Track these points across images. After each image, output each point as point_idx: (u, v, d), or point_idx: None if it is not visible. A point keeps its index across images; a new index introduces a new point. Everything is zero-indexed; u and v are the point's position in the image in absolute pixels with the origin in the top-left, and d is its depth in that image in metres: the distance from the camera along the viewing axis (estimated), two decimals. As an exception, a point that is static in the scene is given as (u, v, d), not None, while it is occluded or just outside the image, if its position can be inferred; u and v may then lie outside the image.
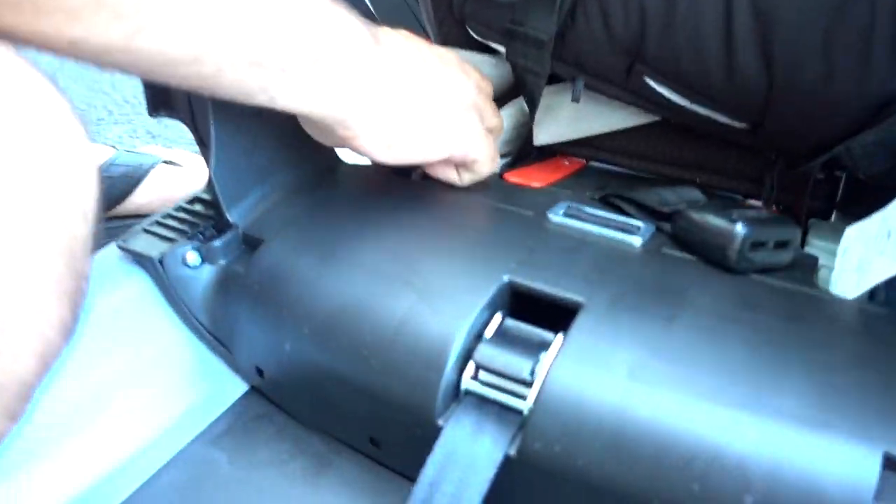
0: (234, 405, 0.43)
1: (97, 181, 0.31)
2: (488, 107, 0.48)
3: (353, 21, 0.39)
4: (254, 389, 0.44)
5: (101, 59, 0.31)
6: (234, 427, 0.42)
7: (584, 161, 0.59)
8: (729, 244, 0.39)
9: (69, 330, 0.31)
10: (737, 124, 0.50)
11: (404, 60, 0.42)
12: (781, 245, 0.40)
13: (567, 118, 0.58)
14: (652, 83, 0.50)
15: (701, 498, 0.30)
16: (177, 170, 0.94)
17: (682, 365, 0.32)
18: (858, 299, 0.38)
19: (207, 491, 0.38)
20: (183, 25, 0.31)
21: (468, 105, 0.46)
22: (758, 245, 0.39)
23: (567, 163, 0.58)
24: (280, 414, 0.43)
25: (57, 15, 0.28)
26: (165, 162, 0.94)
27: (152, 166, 0.89)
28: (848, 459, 0.28)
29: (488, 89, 0.49)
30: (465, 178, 0.48)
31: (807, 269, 0.42)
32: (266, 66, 0.35)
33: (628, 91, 0.52)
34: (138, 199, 0.88)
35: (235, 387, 0.44)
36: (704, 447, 0.30)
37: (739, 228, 0.38)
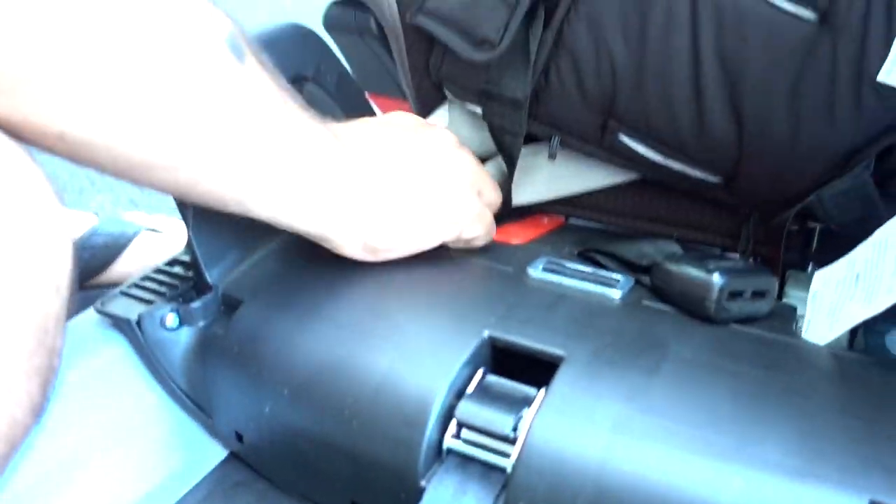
0: (212, 472, 0.42)
1: (71, 253, 0.31)
2: (487, 182, 0.49)
3: (320, 134, 0.40)
4: (233, 455, 0.43)
5: (80, 155, 0.32)
6: (212, 494, 0.41)
7: (564, 218, 0.60)
8: (707, 294, 0.39)
9: (38, 409, 0.30)
10: (711, 178, 0.51)
11: (380, 161, 0.43)
12: (759, 295, 0.40)
13: (544, 178, 0.59)
14: (626, 140, 0.51)
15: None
16: (159, 237, 0.94)
17: (665, 417, 0.32)
18: (838, 347, 0.39)
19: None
20: (162, 134, 0.33)
21: (466, 185, 0.47)
22: (735, 295, 0.39)
23: (546, 220, 0.59)
24: (260, 481, 0.42)
25: (50, 106, 0.29)
26: (148, 229, 0.94)
27: (135, 234, 0.89)
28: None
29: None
30: (458, 248, 0.48)
31: (785, 318, 0.42)
32: (237, 180, 0.37)
33: (603, 148, 0.53)
34: (120, 268, 0.87)
35: (214, 453, 0.43)
36: (690, 500, 0.30)
37: (716, 278, 0.39)
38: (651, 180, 0.56)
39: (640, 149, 0.51)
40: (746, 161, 0.48)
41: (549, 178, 0.59)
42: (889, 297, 0.35)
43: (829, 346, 0.38)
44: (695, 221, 0.56)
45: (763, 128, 0.46)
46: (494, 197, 0.50)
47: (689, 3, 0.44)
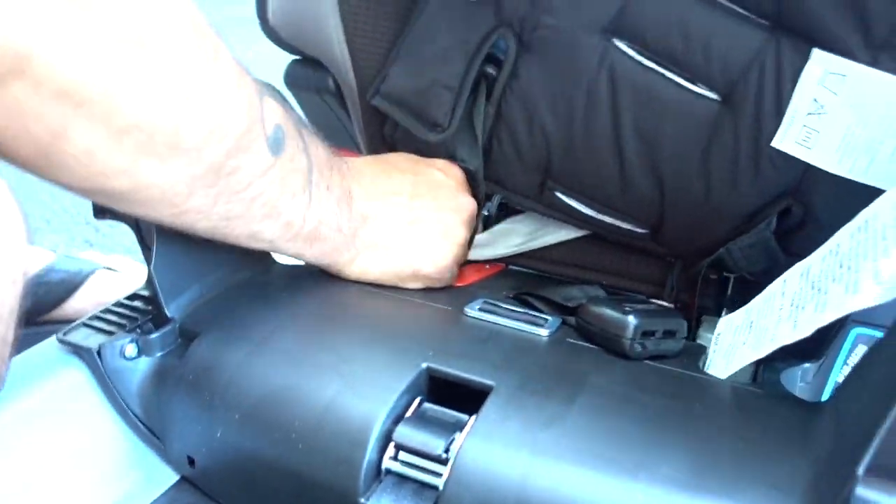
0: (163, 495, 0.45)
1: (20, 284, 0.34)
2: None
3: (335, 199, 0.48)
4: (184, 479, 0.46)
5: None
6: (162, 516, 0.43)
7: (503, 265, 0.64)
8: (622, 333, 0.44)
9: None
10: (638, 230, 0.56)
11: (386, 204, 0.52)
12: (669, 334, 0.45)
13: (488, 240, 0.64)
14: (562, 197, 0.56)
15: (596, 557, 0.33)
16: (115, 275, 0.96)
17: (578, 440, 0.36)
18: (741, 381, 0.43)
19: (135, 578, 0.39)
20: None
21: (465, 227, 0.55)
22: (648, 334, 0.44)
23: (487, 266, 0.63)
24: (210, 503, 0.44)
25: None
26: (104, 268, 0.95)
27: (91, 272, 0.91)
28: (720, 518, 0.32)
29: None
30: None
31: (694, 356, 0.47)
32: (269, 244, 0.46)
33: (543, 205, 0.58)
34: (76, 304, 0.89)
35: (166, 477, 0.46)
36: (597, 510, 0.33)
37: (631, 319, 0.43)
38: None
39: (575, 204, 0.56)
40: (668, 216, 0.53)
41: (505, 240, 0.64)
42: (771, 345, 0.40)
43: (733, 380, 0.43)
44: (623, 270, 0.62)
45: (679, 189, 0.52)
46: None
47: (608, 84, 0.50)
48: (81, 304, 0.89)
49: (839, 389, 0.39)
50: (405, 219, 0.52)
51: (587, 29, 0.50)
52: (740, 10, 0.47)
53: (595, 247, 0.62)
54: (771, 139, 0.47)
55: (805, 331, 0.39)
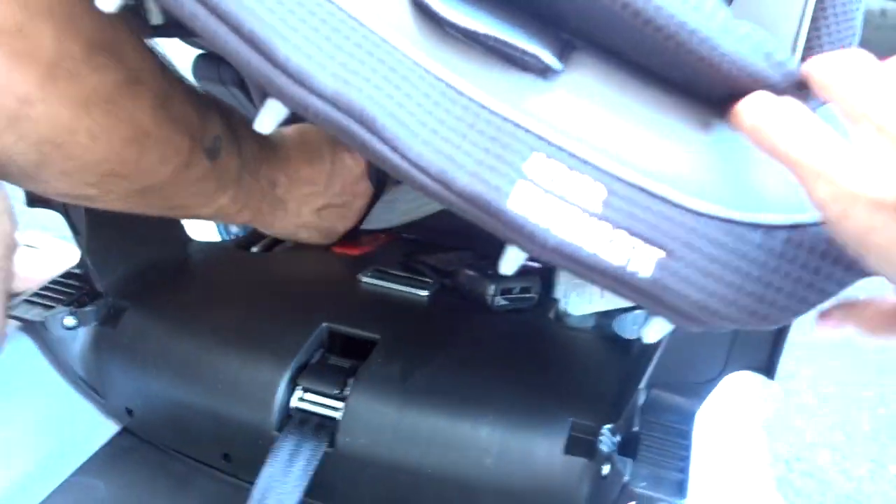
0: (107, 443, 0.53)
1: (7, 260, 0.41)
2: None
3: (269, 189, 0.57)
4: (124, 429, 0.54)
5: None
6: (108, 459, 0.51)
7: (395, 235, 0.74)
8: (485, 291, 0.54)
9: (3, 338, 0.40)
10: None
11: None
12: (525, 290, 0.56)
13: (395, 211, 0.73)
14: None
15: (458, 463, 0.43)
16: (32, 252, 0.99)
17: (444, 376, 0.46)
18: (583, 326, 0.54)
19: (88, 509, 0.47)
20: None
21: (362, 207, 0.66)
22: (506, 291, 0.54)
23: (383, 236, 0.72)
24: (147, 446, 0.52)
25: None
26: (23, 245, 0.98)
27: None
28: (547, 427, 0.43)
29: None
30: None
31: (548, 307, 0.58)
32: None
33: None
34: None
35: (108, 428, 0.53)
36: (458, 430, 0.44)
37: (491, 280, 0.54)
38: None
39: None
40: None
41: (398, 211, 0.73)
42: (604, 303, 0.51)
43: (575, 325, 0.54)
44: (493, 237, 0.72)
45: None
46: None
47: None
48: None
49: (642, 323, 0.50)
50: (316, 205, 0.60)
51: None
52: None
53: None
54: None
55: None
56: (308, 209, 0.60)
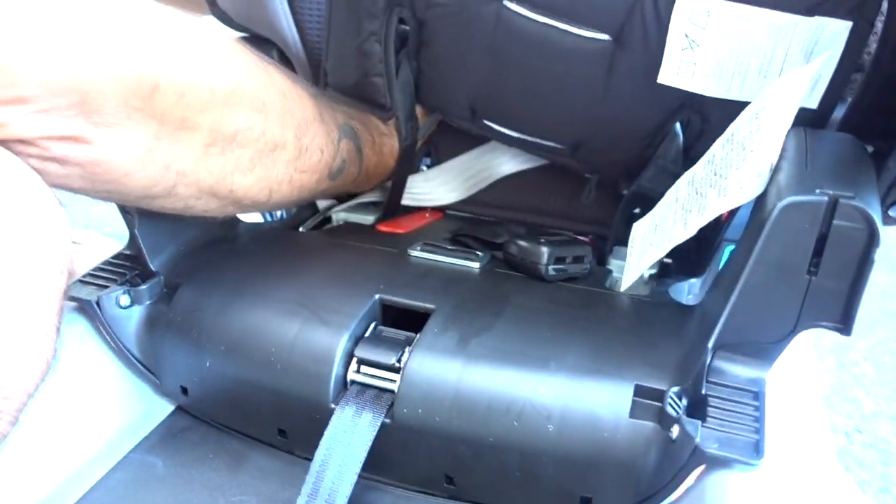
0: (163, 422, 0.53)
1: (65, 276, 0.41)
2: None
3: None
4: (179, 408, 0.54)
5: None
6: (164, 437, 0.51)
7: (442, 213, 0.73)
8: (539, 260, 0.53)
9: (53, 354, 0.41)
10: (559, 146, 0.64)
11: None
12: (578, 259, 0.54)
13: (439, 190, 0.72)
14: (490, 124, 0.65)
15: (519, 430, 0.42)
16: (76, 248, 1.01)
17: (502, 344, 0.45)
18: (637, 294, 0.53)
19: (148, 486, 0.47)
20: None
21: None
22: (560, 259, 0.53)
23: (428, 214, 0.72)
24: (202, 425, 0.52)
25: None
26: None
27: None
28: (611, 391, 0.42)
29: None
30: None
31: (601, 276, 0.56)
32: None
33: (476, 127, 0.66)
34: None
35: (163, 407, 0.53)
36: (518, 397, 0.43)
37: (545, 248, 0.53)
38: (511, 178, 0.70)
39: (503, 129, 0.65)
40: (584, 137, 0.62)
41: (441, 190, 0.72)
42: (669, 244, 0.49)
43: (631, 293, 0.53)
44: (545, 209, 0.71)
45: (590, 116, 0.60)
46: None
47: (506, 41, 0.57)
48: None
49: (705, 293, 0.49)
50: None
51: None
52: None
53: (521, 188, 0.71)
54: (660, 67, 0.55)
55: (692, 230, 0.47)
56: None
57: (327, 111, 0.59)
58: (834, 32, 0.50)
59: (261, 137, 0.50)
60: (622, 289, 0.53)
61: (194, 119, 0.45)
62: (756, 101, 0.47)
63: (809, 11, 0.50)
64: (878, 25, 0.50)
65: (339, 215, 0.69)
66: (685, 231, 0.47)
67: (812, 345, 0.59)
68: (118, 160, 0.42)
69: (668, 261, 0.61)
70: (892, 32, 0.49)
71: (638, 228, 0.55)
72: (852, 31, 0.50)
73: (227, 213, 0.55)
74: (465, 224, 0.69)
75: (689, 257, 0.61)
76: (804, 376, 0.52)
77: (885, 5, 0.49)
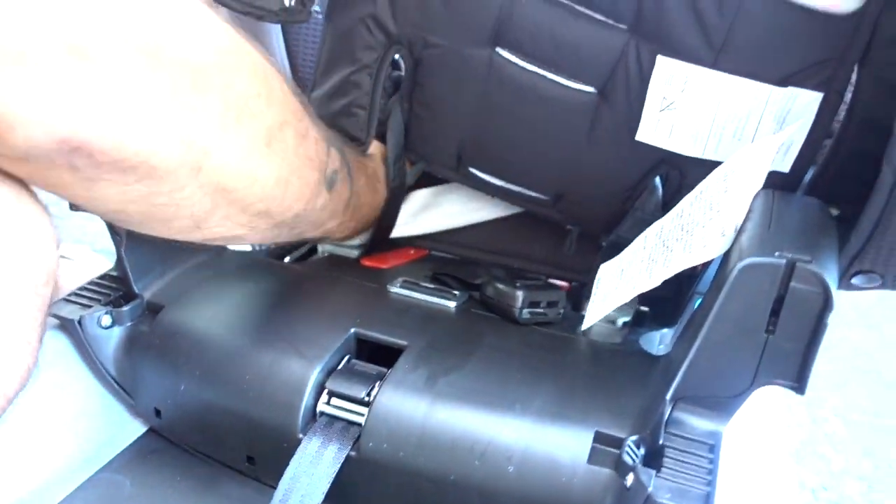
0: (134, 442, 0.53)
1: (49, 288, 0.42)
2: None
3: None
4: (151, 430, 0.55)
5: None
6: (134, 458, 0.52)
7: (427, 251, 0.74)
8: (513, 302, 0.54)
9: (34, 363, 0.42)
10: (542, 197, 0.66)
11: None
12: (552, 304, 0.56)
13: (420, 221, 0.74)
14: (475, 172, 0.66)
15: (480, 469, 0.43)
16: (67, 263, 1.02)
17: (471, 383, 0.46)
18: (610, 342, 0.54)
19: (113, 505, 0.48)
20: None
21: None
22: (534, 304, 0.54)
23: (412, 251, 0.73)
24: (174, 447, 0.53)
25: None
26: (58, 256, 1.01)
27: None
28: (572, 436, 0.43)
29: None
30: None
31: (575, 322, 0.57)
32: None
33: (460, 175, 0.68)
34: None
35: (136, 428, 0.54)
36: (482, 436, 0.44)
37: (520, 292, 0.54)
38: (494, 221, 0.71)
39: (487, 178, 0.66)
40: (567, 188, 0.64)
41: (423, 220, 0.74)
42: (632, 291, 0.50)
43: (604, 341, 0.54)
44: (527, 254, 0.72)
45: (573, 168, 0.62)
46: None
47: (497, 87, 0.60)
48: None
49: (673, 343, 0.50)
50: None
51: (471, 44, 0.59)
52: (602, 18, 0.56)
53: (504, 233, 0.72)
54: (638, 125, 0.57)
55: (655, 281, 0.48)
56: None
57: (312, 111, 0.55)
58: (805, 102, 0.52)
59: (268, 110, 0.47)
60: (582, 328, 0.54)
61: (203, 82, 0.41)
62: (727, 162, 0.48)
63: (782, 82, 0.52)
64: (848, 97, 0.52)
65: (325, 247, 0.71)
66: (650, 280, 0.49)
67: (784, 398, 0.61)
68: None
69: (645, 309, 0.62)
70: (858, 105, 0.51)
71: (604, 270, 0.56)
72: (823, 102, 0.52)
73: (258, 229, 0.52)
74: (446, 264, 0.70)
75: (665, 307, 0.62)
76: (773, 430, 0.53)
77: (854, 78, 0.51)
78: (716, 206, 0.46)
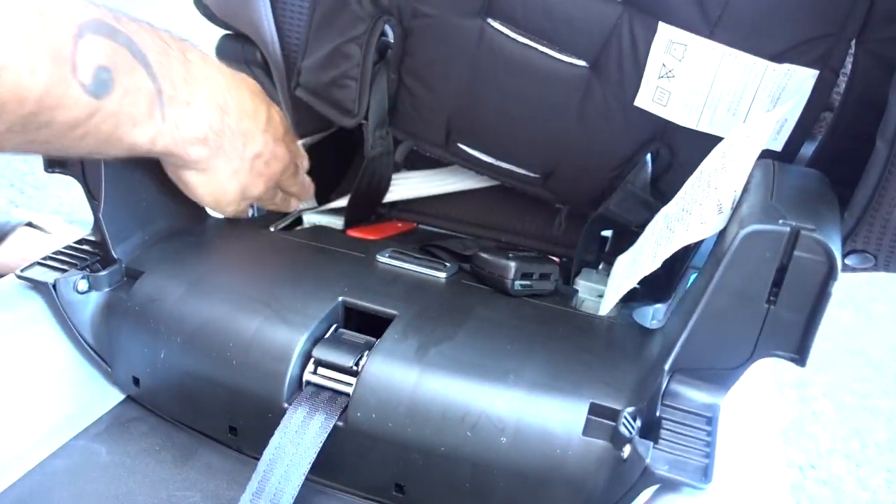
0: (112, 410, 0.51)
1: None
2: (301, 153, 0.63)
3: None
4: (130, 398, 0.53)
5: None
6: (112, 426, 0.50)
7: (414, 224, 0.73)
8: (505, 274, 0.53)
9: None
10: (532, 174, 0.65)
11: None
12: (545, 276, 0.54)
13: (404, 186, 0.72)
14: (464, 147, 0.65)
15: (472, 441, 0.42)
16: (41, 234, 0.99)
17: (461, 354, 0.45)
18: (607, 315, 0.53)
19: (89, 473, 0.46)
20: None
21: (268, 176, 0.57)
22: (526, 275, 0.53)
23: (400, 224, 0.72)
24: (152, 416, 0.51)
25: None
26: (29, 225, 0.98)
27: (15, 227, 0.94)
28: (566, 408, 0.42)
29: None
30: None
31: (567, 295, 0.56)
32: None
33: (449, 153, 0.66)
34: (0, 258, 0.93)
35: (114, 396, 0.52)
36: (474, 407, 0.42)
37: (512, 263, 0.53)
38: (482, 192, 0.70)
39: (476, 153, 0.65)
40: (556, 164, 0.62)
41: (407, 185, 0.72)
42: (637, 276, 0.50)
43: (595, 313, 0.53)
44: (518, 228, 0.71)
45: (563, 142, 0.60)
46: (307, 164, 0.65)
47: (488, 58, 0.58)
48: (5, 258, 0.93)
49: (668, 317, 0.49)
50: (255, 152, 0.54)
51: (462, 14, 0.57)
52: None
53: (493, 207, 0.71)
54: (634, 97, 0.56)
55: (658, 262, 0.48)
56: (250, 150, 0.53)
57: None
58: (800, 80, 0.51)
59: None
60: (601, 314, 0.53)
61: None
62: (724, 140, 0.48)
63: (777, 58, 0.51)
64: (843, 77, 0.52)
65: (311, 217, 0.69)
66: (653, 263, 0.48)
67: (773, 378, 0.60)
68: None
69: (637, 286, 0.61)
70: (855, 83, 0.50)
71: (620, 262, 0.56)
72: (818, 80, 0.51)
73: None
74: (436, 237, 0.69)
75: (657, 283, 0.61)
76: (763, 409, 0.52)
77: (849, 60, 0.51)
78: (713, 184, 0.46)
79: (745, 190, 0.44)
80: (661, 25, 0.53)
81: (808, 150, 0.56)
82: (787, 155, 0.56)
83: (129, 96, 0.43)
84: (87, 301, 0.51)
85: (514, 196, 0.71)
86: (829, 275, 0.37)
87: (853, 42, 0.51)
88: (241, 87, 0.53)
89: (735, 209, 0.44)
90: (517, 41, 0.57)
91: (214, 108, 0.49)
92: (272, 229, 0.65)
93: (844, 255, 0.47)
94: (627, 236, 0.66)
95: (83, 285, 0.51)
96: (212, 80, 0.49)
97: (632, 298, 0.59)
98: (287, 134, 0.59)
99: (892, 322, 1.45)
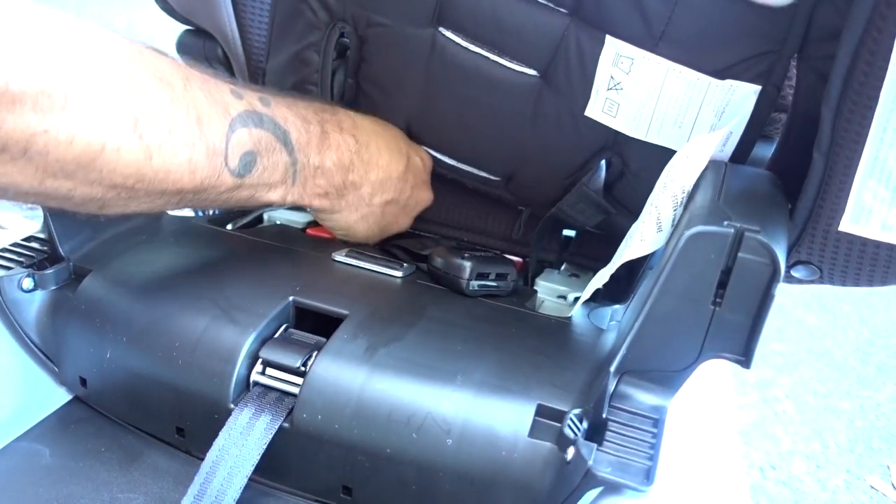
0: (57, 411, 0.50)
1: None
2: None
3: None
4: (77, 399, 0.52)
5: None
6: (56, 427, 0.49)
7: None
8: (460, 273, 0.52)
9: None
10: (493, 178, 0.65)
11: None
12: (501, 277, 0.54)
13: None
14: (427, 149, 0.65)
15: (418, 442, 0.41)
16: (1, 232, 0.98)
17: (410, 354, 0.45)
18: (559, 315, 0.53)
19: (31, 475, 0.45)
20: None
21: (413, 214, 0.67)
22: (482, 275, 0.53)
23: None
24: (99, 417, 0.50)
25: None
26: None
27: None
28: (513, 410, 0.41)
29: None
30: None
31: (524, 296, 0.56)
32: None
33: None
34: None
35: (60, 396, 0.51)
36: (420, 409, 0.42)
37: (467, 262, 0.52)
38: (446, 193, 0.70)
39: (438, 156, 0.65)
40: (515, 169, 0.63)
41: None
42: (598, 282, 0.50)
43: (553, 315, 0.52)
44: (481, 228, 0.71)
45: (518, 149, 0.61)
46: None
47: (440, 67, 0.58)
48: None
49: (621, 317, 0.49)
50: (386, 197, 0.61)
51: (414, 23, 0.58)
52: (542, 1, 0.54)
53: (459, 207, 0.71)
54: (584, 107, 0.56)
55: (611, 269, 0.49)
56: (379, 199, 0.60)
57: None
58: (743, 95, 0.52)
59: None
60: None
61: None
62: (669, 163, 0.48)
63: (720, 74, 0.52)
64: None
65: (272, 214, 0.68)
66: (603, 276, 0.50)
67: (736, 379, 0.60)
68: None
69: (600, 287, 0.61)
70: (798, 99, 0.51)
71: (601, 277, 0.56)
72: (761, 95, 0.52)
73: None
74: (398, 236, 0.68)
75: (618, 284, 0.61)
76: (722, 409, 0.52)
77: (793, 72, 0.51)
78: (654, 202, 0.46)
79: (694, 189, 0.44)
80: (608, 39, 0.53)
81: (766, 151, 0.56)
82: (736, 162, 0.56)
83: (268, 171, 0.50)
84: (33, 299, 0.50)
85: (480, 196, 0.71)
86: (773, 277, 0.37)
87: (794, 59, 0.51)
88: (376, 143, 0.59)
89: (685, 207, 0.44)
90: (469, 49, 0.57)
91: (339, 168, 0.56)
92: (229, 227, 0.64)
93: (791, 267, 0.48)
94: (588, 238, 0.66)
95: (28, 283, 0.50)
96: (343, 146, 0.56)
97: (592, 299, 0.59)
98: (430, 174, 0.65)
99: (858, 323, 1.46)
